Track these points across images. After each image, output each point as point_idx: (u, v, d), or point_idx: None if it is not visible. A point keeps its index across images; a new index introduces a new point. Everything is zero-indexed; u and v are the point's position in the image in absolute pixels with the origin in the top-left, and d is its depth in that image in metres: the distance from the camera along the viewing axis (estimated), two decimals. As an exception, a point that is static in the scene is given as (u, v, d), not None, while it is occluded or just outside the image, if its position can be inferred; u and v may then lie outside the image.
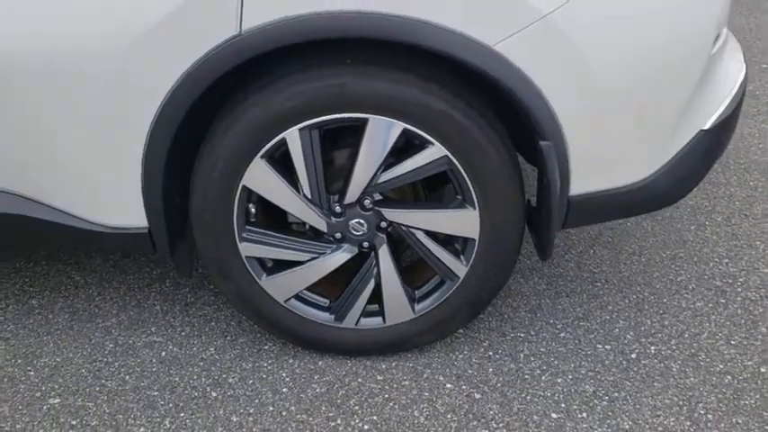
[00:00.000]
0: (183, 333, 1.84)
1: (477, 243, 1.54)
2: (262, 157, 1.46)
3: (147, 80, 1.35)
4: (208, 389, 1.65)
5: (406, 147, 1.47)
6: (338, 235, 1.58)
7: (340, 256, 1.59)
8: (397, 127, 1.42)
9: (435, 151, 1.44)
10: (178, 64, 1.33)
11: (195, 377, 1.69)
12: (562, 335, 1.81)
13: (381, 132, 1.43)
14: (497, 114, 1.50)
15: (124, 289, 2.02)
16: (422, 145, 1.45)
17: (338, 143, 1.56)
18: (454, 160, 1.45)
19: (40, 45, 1.35)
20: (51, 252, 2.18)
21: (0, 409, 1.60)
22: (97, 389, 1.66)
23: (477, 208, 1.50)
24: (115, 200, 1.52)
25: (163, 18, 1.29)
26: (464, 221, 1.52)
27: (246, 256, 1.59)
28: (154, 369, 1.72)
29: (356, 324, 1.66)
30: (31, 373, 1.71)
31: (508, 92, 1.35)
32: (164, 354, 1.77)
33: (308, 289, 1.65)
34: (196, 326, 1.87)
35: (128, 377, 1.69)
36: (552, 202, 1.48)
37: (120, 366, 1.73)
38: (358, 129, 1.44)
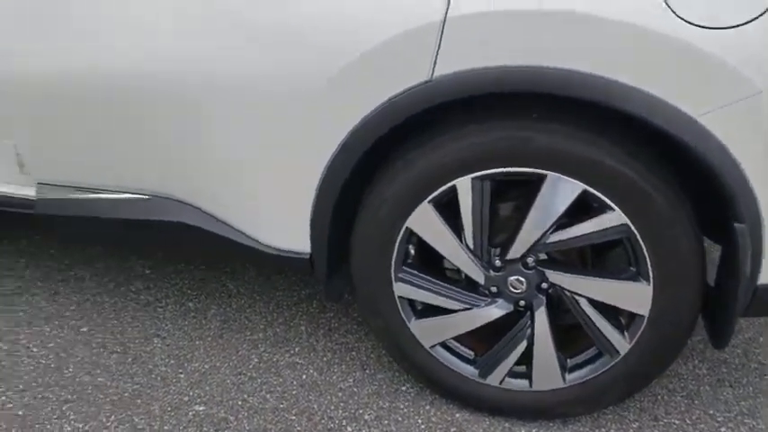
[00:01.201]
0: (324, 359, 1.86)
1: (645, 320, 1.44)
2: (429, 201, 1.45)
3: (336, 115, 1.38)
4: (344, 422, 1.65)
5: (581, 207, 1.40)
6: (494, 289, 1.53)
7: (493, 311, 1.54)
8: (577, 187, 1.35)
9: (615, 218, 1.36)
10: (367, 102, 1.34)
11: (333, 407, 1.69)
12: (722, 429, 1.64)
13: (559, 191, 1.37)
14: (685, 187, 1.40)
15: (273, 305, 2.08)
16: (601, 209, 1.37)
17: (507, 195, 1.51)
18: (634, 230, 1.36)
19: (234, 71, 1.42)
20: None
21: (151, 407, 1.69)
22: (239, 403, 1.71)
23: (652, 283, 1.40)
24: (284, 225, 1.57)
25: (359, 57, 1.31)
26: (635, 295, 1.42)
27: (399, 296, 1.58)
28: (294, 392, 1.74)
29: (500, 383, 1.60)
30: (182, 375, 1.79)
31: (710, 169, 1.24)
32: (305, 377, 1.79)
33: (456, 338, 1.61)
34: (337, 353, 1.88)
35: (269, 396, 1.73)
36: (738, 288, 1.35)
37: (262, 383, 1.77)
38: (531, 183, 1.39)
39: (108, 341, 1.92)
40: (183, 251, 2.16)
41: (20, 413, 1.66)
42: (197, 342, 1.92)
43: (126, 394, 1.72)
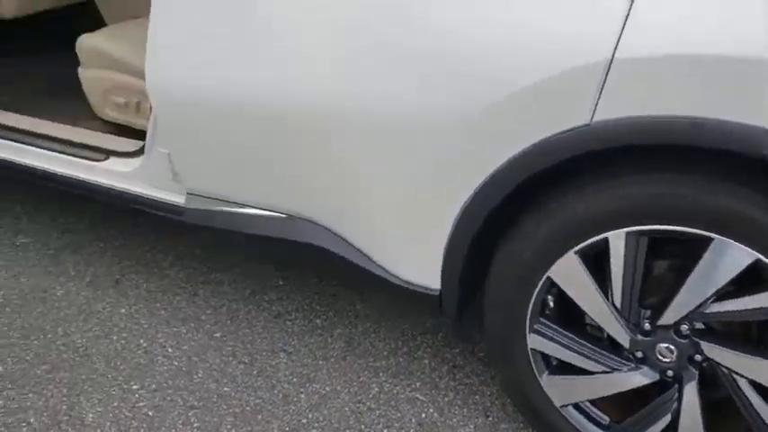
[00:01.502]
0: (446, 398, 1.79)
1: (818, 413, 1.25)
2: (576, 252, 1.34)
3: (484, 150, 1.31)
4: (460, 471, 1.58)
5: (750, 277, 1.24)
6: (639, 354, 1.39)
7: (636, 379, 1.40)
8: (748, 256, 1.20)
9: (792, 295, 1.19)
10: (519, 140, 1.26)
11: (450, 454, 1.63)
12: None
13: (725, 257, 1.21)
14: None
15: (398, 332, 2.04)
16: (775, 283, 1.21)
17: (665, 252, 1.37)
18: (814, 312, 1.18)
19: (382, 105, 1.38)
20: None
21: (270, 425, 1.69)
22: (356, 434, 1.68)
23: (831, 373, 1.21)
24: (415, 258, 1.53)
25: (512, 94, 1.24)
26: (808, 385, 1.24)
27: (532, 349, 1.48)
28: (411, 431, 1.68)
29: (636, 455, 1.46)
30: (302, 396, 1.79)
31: None
32: (424, 416, 1.73)
33: (590, 400, 1.49)
34: (460, 394, 1.81)
35: (386, 431, 1.68)
36: None
37: (380, 416, 1.73)
38: (694, 243, 1.24)
39: (238, 350, 1.96)
40: (317, 269, 2.18)
41: (150, 413, 1.73)
42: (320, 362, 1.91)
43: (248, 408, 1.75)
